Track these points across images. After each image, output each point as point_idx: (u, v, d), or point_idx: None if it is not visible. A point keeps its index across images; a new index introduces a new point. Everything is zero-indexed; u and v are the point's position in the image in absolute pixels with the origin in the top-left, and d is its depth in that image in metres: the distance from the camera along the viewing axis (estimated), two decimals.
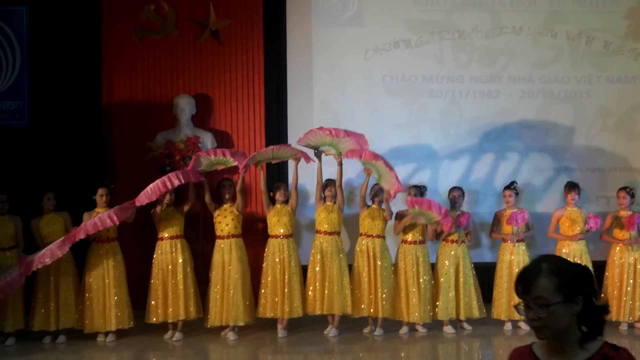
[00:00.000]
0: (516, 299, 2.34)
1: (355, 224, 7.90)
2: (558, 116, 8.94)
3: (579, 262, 7.56)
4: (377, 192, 7.67)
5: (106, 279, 7.39)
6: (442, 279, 7.66)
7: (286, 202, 7.67)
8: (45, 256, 7.02)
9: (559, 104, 8.95)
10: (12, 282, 6.99)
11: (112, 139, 8.76)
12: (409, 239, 7.66)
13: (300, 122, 8.70)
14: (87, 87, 8.73)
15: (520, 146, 8.90)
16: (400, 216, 7.67)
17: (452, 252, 7.70)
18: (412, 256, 7.60)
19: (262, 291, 7.56)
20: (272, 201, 7.70)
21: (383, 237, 7.66)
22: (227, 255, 7.51)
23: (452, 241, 7.72)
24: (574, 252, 7.73)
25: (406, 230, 7.65)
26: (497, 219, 7.95)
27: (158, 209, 7.49)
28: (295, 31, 8.90)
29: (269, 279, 7.52)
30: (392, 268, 7.66)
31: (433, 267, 7.76)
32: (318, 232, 7.65)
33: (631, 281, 7.68)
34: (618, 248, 7.78)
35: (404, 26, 8.89)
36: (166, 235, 7.54)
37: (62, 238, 7.15)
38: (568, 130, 8.95)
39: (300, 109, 8.83)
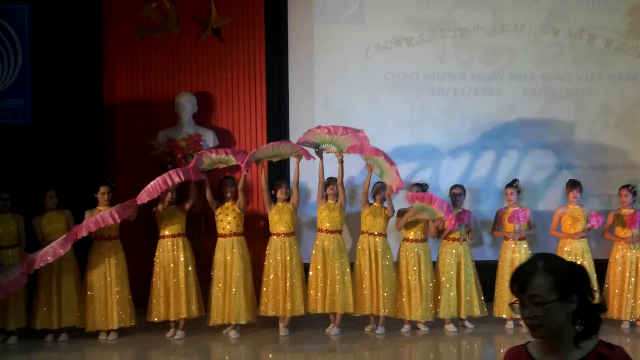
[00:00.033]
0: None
1: (356, 222, 7.90)
2: (560, 114, 8.93)
3: (580, 260, 7.63)
4: (379, 190, 7.67)
5: (108, 277, 7.40)
6: (443, 278, 7.66)
7: (287, 200, 7.67)
8: (47, 254, 7.03)
9: (560, 102, 8.94)
10: (14, 281, 7.00)
11: (114, 137, 8.76)
12: (411, 237, 7.65)
13: (301, 119, 8.70)
14: (89, 85, 8.73)
15: (522, 144, 8.89)
16: (402, 213, 7.67)
17: (454, 251, 7.70)
18: (413, 254, 7.60)
19: (264, 289, 7.57)
20: (274, 199, 7.70)
21: (385, 235, 7.65)
22: (229, 253, 7.51)
23: (454, 239, 7.72)
24: (576, 250, 7.73)
25: (408, 228, 7.65)
26: (499, 217, 7.94)
27: (160, 207, 7.49)
28: (296, 29, 8.89)
29: (271, 277, 7.53)
30: (394, 266, 7.66)
31: (434, 265, 7.76)
32: (320, 230, 7.65)
33: (633, 279, 7.67)
34: (620, 246, 7.77)
35: (406, 24, 8.88)
36: (168, 234, 7.54)
37: (64, 236, 7.16)
38: (570, 128, 8.94)
39: (302, 107, 8.83)
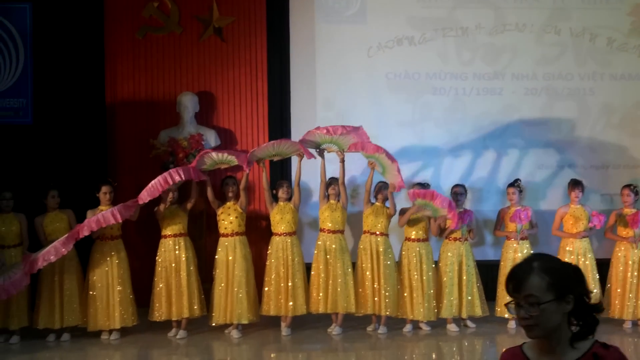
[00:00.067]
0: None
1: (358, 222, 7.90)
2: (562, 113, 8.93)
3: (582, 260, 7.63)
4: (381, 188, 7.67)
5: (110, 276, 7.40)
6: (445, 278, 7.66)
7: (289, 199, 7.67)
8: (49, 254, 7.03)
9: (562, 101, 8.94)
10: (16, 281, 7.00)
11: (116, 137, 8.77)
12: (413, 237, 7.65)
13: (303, 119, 8.70)
14: (91, 84, 8.73)
15: (524, 143, 8.89)
16: (404, 212, 7.67)
17: (455, 250, 7.69)
18: (415, 254, 7.60)
19: (266, 289, 7.57)
20: (275, 199, 7.70)
21: (386, 235, 7.65)
22: (231, 253, 7.51)
23: (455, 239, 7.72)
24: (578, 249, 7.73)
25: (410, 227, 7.65)
26: (500, 217, 7.94)
27: (161, 206, 7.50)
28: (298, 28, 8.89)
29: (273, 276, 7.53)
30: (396, 266, 7.66)
31: (436, 265, 7.76)
32: (322, 230, 7.65)
33: (635, 279, 7.66)
34: (622, 246, 7.77)
35: (407, 23, 8.88)
36: (170, 233, 7.54)
37: (66, 235, 7.16)
38: (572, 127, 8.94)
39: (304, 106, 8.83)
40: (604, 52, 8.95)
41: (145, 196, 7.21)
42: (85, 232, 7.13)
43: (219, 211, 7.63)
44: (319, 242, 7.62)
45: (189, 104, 8.50)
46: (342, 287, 7.49)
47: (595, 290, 7.65)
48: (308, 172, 7.89)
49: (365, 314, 7.59)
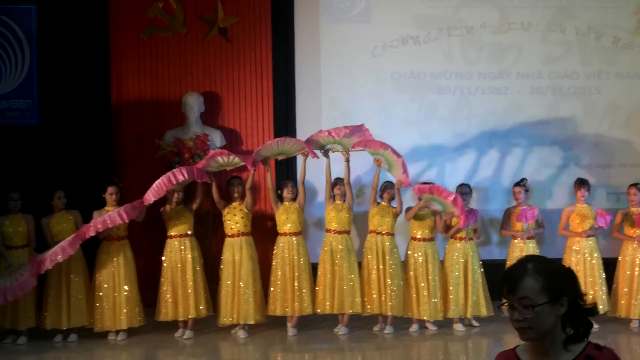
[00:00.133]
0: None
1: (364, 222, 7.90)
2: (567, 112, 8.91)
3: (589, 259, 7.63)
4: (387, 187, 7.67)
5: (116, 277, 7.42)
6: (450, 277, 7.65)
7: (294, 199, 7.68)
8: (56, 254, 7.05)
9: (568, 100, 8.92)
10: (23, 283, 7.02)
11: (121, 137, 8.78)
12: (419, 236, 7.65)
13: (308, 119, 8.72)
14: (96, 85, 8.75)
15: (530, 142, 8.87)
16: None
17: (461, 250, 7.69)
18: (421, 253, 7.60)
19: (272, 289, 7.57)
20: (280, 199, 7.70)
21: (392, 235, 7.65)
22: (237, 253, 7.52)
23: (461, 238, 7.71)
24: (584, 249, 7.72)
25: (416, 226, 7.65)
26: (507, 216, 7.94)
27: (167, 207, 7.51)
28: (303, 28, 8.89)
29: (279, 276, 7.53)
30: (402, 265, 7.66)
31: (442, 264, 7.75)
32: (328, 231, 7.66)
33: None
34: (629, 245, 7.75)
35: (412, 23, 8.87)
36: (175, 234, 7.55)
37: (73, 235, 7.18)
38: (577, 126, 8.93)
39: (309, 106, 8.83)
40: (609, 51, 8.92)
41: (150, 197, 7.23)
42: (91, 233, 7.15)
43: (225, 211, 7.63)
44: (325, 243, 7.62)
45: (194, 104, 8.51)
46: (349, 287, 7.49)
47: (598, 292, 7.66)
48: (313, 171, 7.89)
49: (372, 313, 7.59)
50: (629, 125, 8.95)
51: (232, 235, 7.57)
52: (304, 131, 8.37)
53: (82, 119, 8.68)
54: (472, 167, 8.82)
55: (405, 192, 8.00)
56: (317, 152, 7.59)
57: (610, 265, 7.85)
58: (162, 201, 7.47)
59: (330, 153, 7.65)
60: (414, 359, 7.18)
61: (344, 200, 7.66)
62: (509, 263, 7.76)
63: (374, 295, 7.52)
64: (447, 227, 7.76)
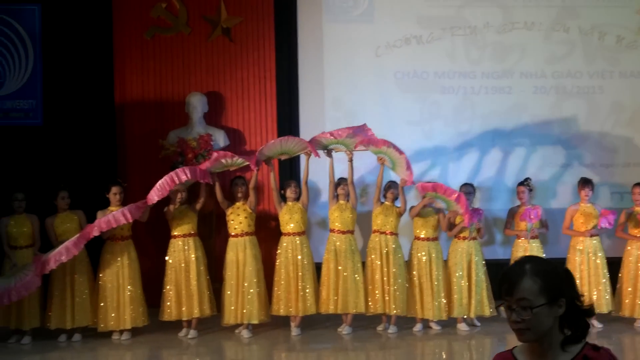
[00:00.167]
0: None
1: (368, 222, 7.89)
2: (571, 112, 8.90)
3: (593, 258, 7.62)
4: (390, 187, 7.67)
5: (120, 277, 7.43)
6: (454, 277, 7.64)
7: (297, 199, 7.68)
8: (61, 254, 7.06)
9: (571, 100, 8.91)
10: (27, 283, 7.03)
11: (125, 138, 8.79)
12: (422, 236, 7.65)
13: (311, 119, 8.72)
14: (100, 85, 8.76)
15: (533, 142, 8.86)
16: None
17: (465, 249, 7.68)
18: (425, 253, 7.60)
19: (276, 289, 7.58)
20: (284, 198, 7.71)
21: (396, 234, 7.65)
22: (241, 253, 7.53)
23: (464, 238, 7.70)
24: (588, 248, 7.71)
25: (419, 226, 7.65)
26: (510, 216, 7.93)
27: (171, 207, 7.52)
28: (306, 28, 8.89)
29: (282, 276, 7.54)
30: (405, 265, 7.65)
31: (445, 264, 7.75)
32: (332, 231, 7.66)
33: None
34: (633, 244, 7.73)
35: (415, 22, 8.87)
36: (179, 233, 7.56)
37: (77, 235, 7.20)
38: (581, 125, 8.91)
39: (312, 106, 8.84)
40: (613, 50, 8.91)
41: (153, 196, 7.24)
42: (95, 233, 7.17)
43: (229, 211, 7.64)
44: (329, 243, 7.63)
45: (197, 104, 8.51)
46: (352, 287, 7.49)
47: (602, 291, 7.65)
48: (317, 171, 7.90)
49: (375, 313, 7.59)
50: (633, 124, 8.93)
51: (236, 235, 7.58)
52: (307, 131, 8.37)
53: (85, 119, 8.69)
54: (475, 167, 8.82)
55: (409, 192, 7.99)
56: (320, 152, 7.59)
57: (614, 265, 7.83)
58: (165, 201, 7.48)
59: (333, 153, 7.65)
60: (418, 358, 7.18)
61: (348, 200, 7.66)
62: (512, 263, 7.74)
63: (378, 295, 7.51)
64: (451, 226, 7.74)
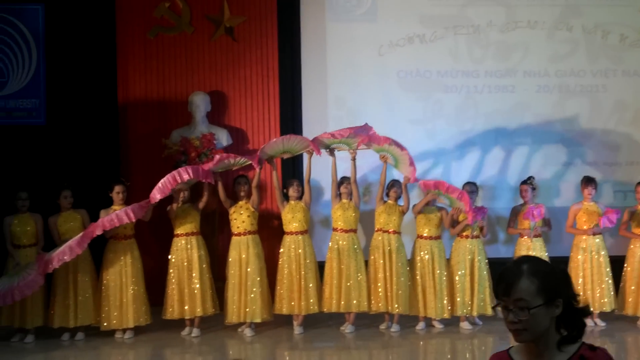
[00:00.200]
0: None
1: (370, 220, 7.89)
2: (574, 110, 8.88)
3: (596, 257, 7.60)
4: (394, 185, 7.66)
5: (123, 276, 7.44)
6: (457, 275, 7.63)
7: (300, 198, 7.68)
8: (64, 253, 7.07)
9: (575, 98, 8.89)
10: (30, 282, 7.04)
11: (128, 137, 8.80)
12: (425, 234, 7.64)
13: (314, 118, 8.72)
14: (103, 84, 8.77)
15: (536, 141, 8.85)
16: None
17: (467, 248, 7.67)
18: (427, 251, 7.60)
19: (278, 288, 7.58)
20: (286, 197, 7.71)
21: (399, 233, 7.65)
22: (244, 252, 7.53)
23: (467, 236, 7.69)
24: (591, 246, 7.70)
25: (422, 224, 7.64)
26: (514, 214, 7.92)
27: (174, 205, 7.53)
28: (309, 27, 8.90)
29: (285, 275, 7.54)
30: (408, 263, 7.65)
31: (448, 262, 7.74)
32: (334, 230, 7.66)
33: None
34: (637, 243, 7.72)
35: (418, 21, 8.86)
36: (182, 232, 7.57)
37: (80, 235, 7.21)
38: (584, 124, 8.89)
39: (315, 105, 8.84)
40: (616, 49, 8.89)
41: (155, 195, 7.25)
42: (98, 231, 7.18)
43: (231, 210, 7.65)
44: (332, 242, 7.63)
45: (200, 103, 8.52)
46: (356, 286, 7.49)
47: (605, 290, 7.64)
48: (319, 170, 7.90)
49: (378, 312, 7.59)
50: (636, 122, 8.91)
51: (239, 234, 7.59)
52: (309, 130, 8.38)
53: (88, 118, 8.71)
54: (478, 166, 8.80)
55: (413, 190, 7.99)
56: (323, 151, 7.59)
57: (617, 263, 7.82)
58: (168, 200, 7.50)
59: (336, 152, 7.65)
60: (421, 357, 7.18)
61: (351, 199, 7.66)
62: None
63: (381, 294, 7.51)
64: (454, 223, 7.73)
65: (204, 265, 7.56)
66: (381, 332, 7.55)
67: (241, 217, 7.59)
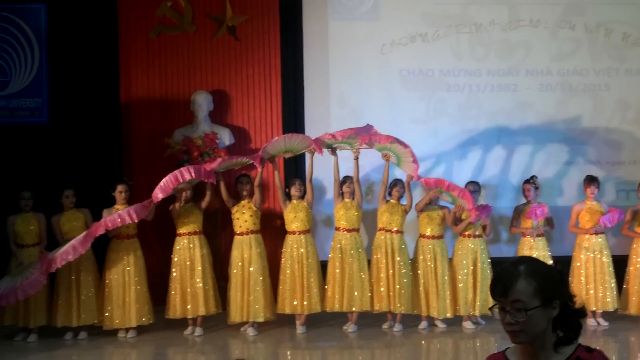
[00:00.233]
0: None
1: (373, 220, 7.89)
2: (577, 109, 8.87)
3: (599, 256, 7.59)
4: (396, 184, 7.66)
5: (126, 275, 7.45)
6: (459, 275, 7.63)
7: (302, 197, 7.68)
8: (67, 253, 7.08)
9: (577, 97, 8.88)
10: (33, 282, 7.05)
11: (131, 136, 8.80)
12: (427, 234, 7.64)
13: (317, 117, 8.72)
14: (105, 84, 8.77)
15: (539, 140, 8.83)
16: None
17: (470, 247, 7.67)
18: (430, 251, 7.59)
19: (281, 287, 7.59)
20: (288, 197, 7.71)
21: (401, 232, 7.65)
22: (246, 251, 7.53)
23: (469, 236, 7.69)
24: (594, 246, 7.69)
25: (425, 224, 7.64)
26: (516, 214, 7.92)
27: (177, 205, 7.53)
28: (311, 26, 8.88)
29: (288, 274, 7.54)
30: (410, 263, 7.65)
31: (450, 261, 7.73)
32: (337, 229, 7.66)
33: None
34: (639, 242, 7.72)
35: (421, 20, 8.85)
36: (185, 231, 7.58)
37: (83, 234, 7.22)
38: (587, 123, 8.88)
39: (317, 104, 8.83)
40: (619, 48, 8.87)
41: (157, 194, 7.25)
42: (101, 231, 7.18)
43: (234, 210, 7.65)
44: (335, 241, 7.63)
45: (203, 102, 8.52)
46: (358, 286, 7.49)
47: (607, 289, 7.63)
48: (322, 169, 7.89)
49: (381, 311, 7.59)
50: (639, 121, 8.89)
51: (241, 233, 7.59)
52: (312, 129, 8.38)
53: (91, 117, 8.71)
54: (480, 165, 8.80)
55: (415, 189, 7.99)
56: (325, 150, 7.58)
57: (620, 263, 7.81)
58: (171, 199, 7.50)
59: (338, 151, 7.65)
60: (423, 356, 7.18)
61: (353, 198, 7.66)
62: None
63: (383, 293, 7.51)
64: (457, 221, 7.72)
65: (206, 265, 7.57)
66: (384, 332, 7.55)
67: (243, 217, 7.59)
